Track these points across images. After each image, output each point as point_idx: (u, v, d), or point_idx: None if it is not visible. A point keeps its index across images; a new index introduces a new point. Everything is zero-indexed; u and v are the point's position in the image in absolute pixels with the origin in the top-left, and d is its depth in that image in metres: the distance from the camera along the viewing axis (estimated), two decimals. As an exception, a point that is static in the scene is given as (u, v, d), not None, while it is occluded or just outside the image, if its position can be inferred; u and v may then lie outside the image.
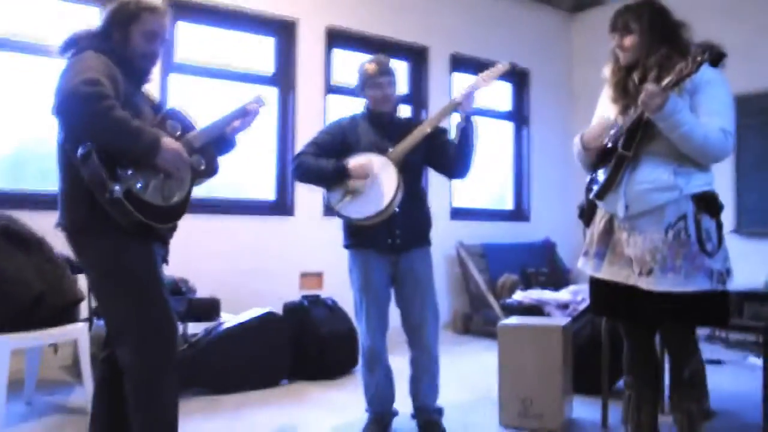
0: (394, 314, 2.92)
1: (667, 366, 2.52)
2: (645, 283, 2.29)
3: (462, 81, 6.32)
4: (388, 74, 2.89)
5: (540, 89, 6.91)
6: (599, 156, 2.47)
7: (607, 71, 2.56)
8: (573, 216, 7.53)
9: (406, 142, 2.79)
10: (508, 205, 6.90)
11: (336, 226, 5.03)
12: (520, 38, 6.74)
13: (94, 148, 1.97)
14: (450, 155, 2.86)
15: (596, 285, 2.53)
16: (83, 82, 1.94)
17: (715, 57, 2.20)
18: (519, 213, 6.87)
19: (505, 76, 6.72)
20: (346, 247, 2.94)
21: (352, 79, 5.47)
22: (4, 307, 2.94)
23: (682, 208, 2.27)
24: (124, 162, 2.02)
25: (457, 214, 6.20)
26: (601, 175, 2.42)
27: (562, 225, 6.84)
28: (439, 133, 2.89)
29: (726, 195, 5.56)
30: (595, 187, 2.45)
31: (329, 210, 5.23)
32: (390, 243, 2.81)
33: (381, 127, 2.90)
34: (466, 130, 2.82)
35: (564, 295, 5.35)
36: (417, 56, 6.03)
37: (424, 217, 2.96)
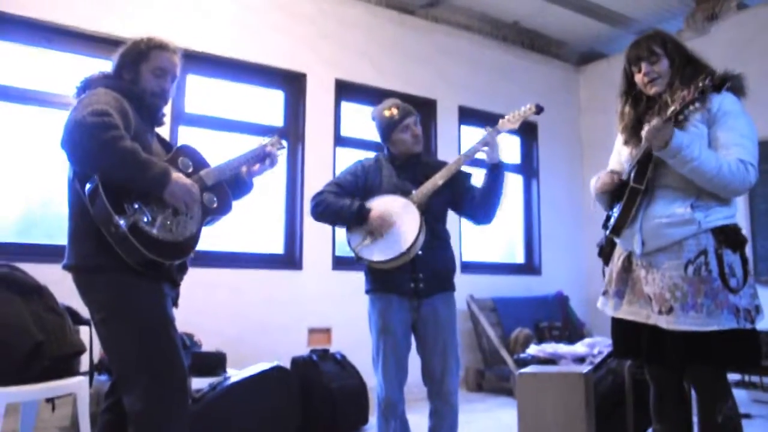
0: (414, 366, 2.79)
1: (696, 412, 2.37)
2: (665, 322, 2.18)
3: (470, 133, 6.35)
4: (413, 114, 2.86)
5: (548, 142, 6.91)
6: (614, 192, 2.41)
7: (617, 113, 2.52)
8: (585, 269, 7.45)
9: (428, 185, 2.72)
10: (519, 258, 6.79)
11: (345, 280, 4.99)
12: (528, 91, 6.77)
13: (100, 182, 1.93)
14: (476, 199, 2.79)
15: (618, 326, 2.42)
16: (91, 113, 1.93)
17: (719, 82, 2.14)
18: (530, 266, 6.75)
19: (513, 130, 6.81)
20: (367, 292, 2.84)
21: (360, 132, 5.58)
22: (1, 356, 2.83)
23: (702, 243, 2.18)
24: (132, 196, 1.98)
25: (467, 267, 6.09)
26: (617, 210, 2.34)
27: (575, 278, 6.71)
28: (463, 176, 2.83)
29: (742, 243, 5.48)
30: (611, 223, 2.37)
31: (339, 264, 5.22)
32: (413, 287, 2.70)
33: (404, 169, 2.84)
34: (491, 176, 2.75)
35: (580, 348, 5.17)
36: (425, 109, 6.05)
37: (447, 260, 2.84)
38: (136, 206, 1.98)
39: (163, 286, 2.12)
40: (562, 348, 5.24)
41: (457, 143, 6.14)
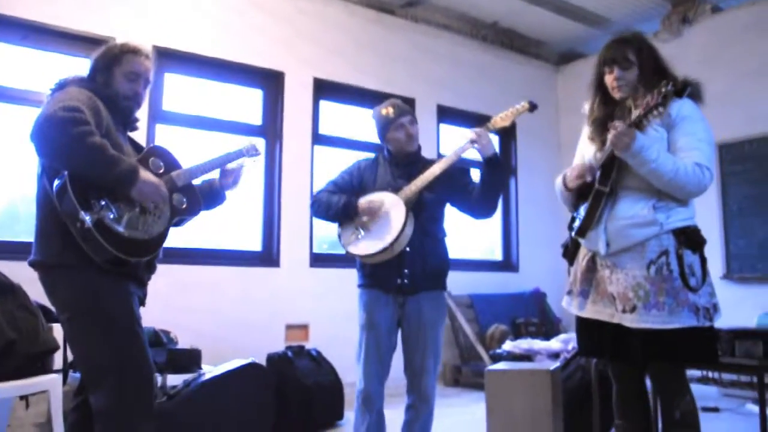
0: (397, 360, 2.84)
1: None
2: (628, 321, 2.24)
3: (449, 132, 6.40)
4: (408, 113, 2.90)
5: (526, 140, 6.98)
6: (580, 193, 2.46)
7: (586, 107, 2.58)
8: (562, 266, 7.49)
9: (418, 181, 2.75)
10: (497, 255, 6.86)
11: (322, 277, 5.03)
12: (506, 90, 6.84)
13: (68, 177, 1.95)
14: (474, 195, 2.82)
15: (582, 325, 2.48)
16: (61, 108, 1.94)
17: (681, 88, 2.21)
18: (508, 263, 6.83)
19: (492, 129, 6.85)
20: (359, 286, 2.89)
21: (339, 130, 5.61)
22: (-27, 355, 2.84)
23: (663, 244, 2.25)
24: (99, 192, 1.99)
25: (446, 264, 6.14)
26: (582, 211, 2.40)
27: (552, 275, 6.79)
28: (460, 171, 2.85)
29: (714, 242, 5.57)
30: (576, 224, 2.43)
31: (316, 261, 5.26)
32: (398, 283, 2.73)
33: (400, 167, 2.88)
34: (489, 169, 2.76)
35: (554, 344, 5.25)
36: (403, 108, 6.08)
37: (438, 259, 2.83)
38: (103, 203, 1.99)
39: (129, 284, 2.14)
40: (537, 344, 5.32)
41: (435, 142, 6.19)
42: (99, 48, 2.31)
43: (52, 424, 3.06)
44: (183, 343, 4.19)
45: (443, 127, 6.33)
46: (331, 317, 4.99)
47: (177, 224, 2.30)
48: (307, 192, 5.25)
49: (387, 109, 2.89)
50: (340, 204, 2.79)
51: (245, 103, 5.26)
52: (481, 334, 5.73)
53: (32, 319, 3.07)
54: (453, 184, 2.83)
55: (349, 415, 3.78)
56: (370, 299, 2.79)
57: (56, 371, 3.22)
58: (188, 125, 4.91)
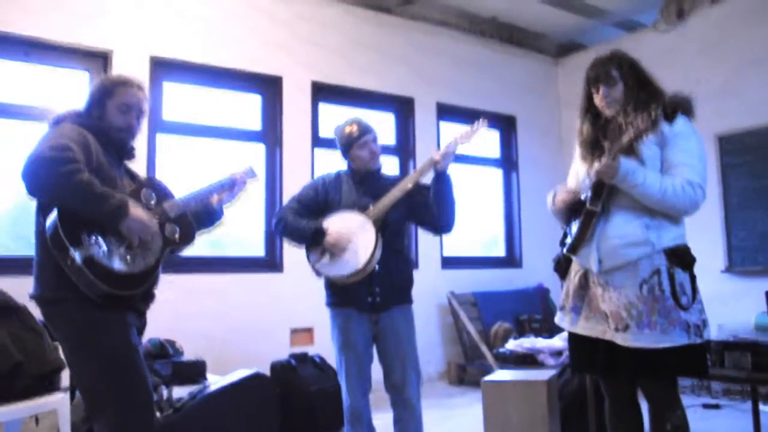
0: (378, 371, 2.89)
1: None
2: (621, 339, 2.28)
3: (449, 130, 6.40)
4: (370, 132, 2.93)
5: (527, 134, 6.97)
6: (573, 208, 2.48)
7: (577, 128, 2.60)
8: (565, 260, 7.44)
9: (385, 200, 2.81)
10: (500, 251, 6.88)
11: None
12: (506, 85, 6.83)
13: (58, 214, 1.99)
14: (431, 212, 2.88)
15: (574, 340, 2.51)
16: (50, 147, 1.99)
17: (672, 111, 2.23)
18: (511, 259, 6.85)
19: (492, 123, 6.85)
20: (328, 305, 2.94)
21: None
22: (-19, 377, 2.91)
23: (655, 263, 2.28)
24: (90, 228, 2.03)
25: (448, 263, 6.19)
26: (574, 227, 2.43)
27: (555, 269, 6.80)
28: (420, 189, 2.90)
29: (715, 235, 5.58)
30: (568, 241, 2.46)
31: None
32: (370, 302, 2.80)
33: (364, 185, 2.93)
34: (438, 185, 2.84)
35: (557, 342, 5.28)
36: (403, 107, 6.10)
37: (405, 275, 2.94)
38: (93, 239, 2.03)
39: (126, 315, 2.17)
40: (540, 342, 5.35)
41: (435, 140, 6.20)
42: (92, 84, 2.34)
43: (61, 439, 3.14)
44: (189, 350, 4.26)
45: (443, 125, 6.33)
46: (335, 320, 5.04)
47: (172, 253, 2.32)
48: (309, 195, 5.30)
49: (351, 127, 2.93)
50: (310, 231, 2.80)
51: (244, 109, 5.29)
52: (485, 332, 5.77)
53: (38, 339, 3.13)
54: (414, 202, 2.90)
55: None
56: (344, 319, 2.85)
57: (63, 389, 3.30)
58: (188, 133, 4.95)
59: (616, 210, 2.35)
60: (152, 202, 2.28)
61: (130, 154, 2.38)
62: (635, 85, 2.39)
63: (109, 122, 2.26)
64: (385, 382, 2.87)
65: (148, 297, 2.32)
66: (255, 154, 5.27)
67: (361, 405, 2.82)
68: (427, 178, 2.90)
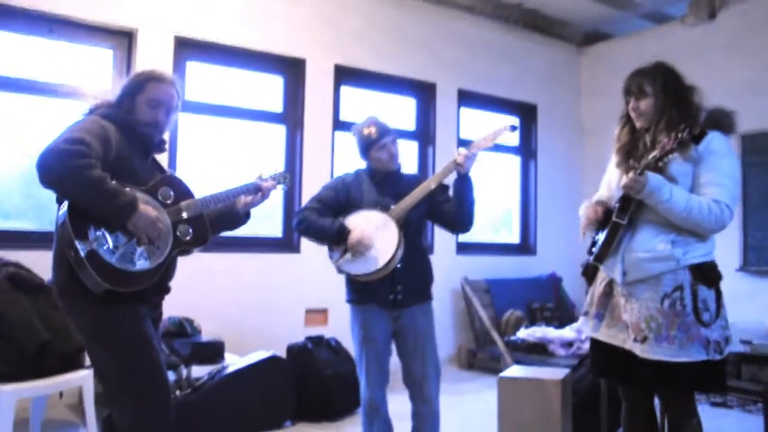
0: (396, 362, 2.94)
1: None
2: (639, 350, 2.32)
3: (470, 116, 6.39)
4: (390, 133, 2.94)
5: (547, 123, 6.94)
6: (602, 217, 2.49)
7: (615, 134, 2.60)
8: (579, 250, 7.53)
9: (407, 200, 2.83)
10: (515, 238, 6.91)
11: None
12: (528, 72, 6.79)
13: (68, 206, 2.01)
14: (450, 212, 2.91)
15: (596, 345, 2.56)
16: (66, 140, 2.01)
17: (698, 134, 2.20)
18: (525, 247, 6.88)
19: (513, 111, 6.81)
20: (348, 302, 2.98)
21: (360, 116, 5.62)
22: (11, 355, 2.99)
23: (679, 279, 2.30)
24: (98, 223, 2.04)
25: (463, 248, 6.22)
26: (602, 237, 2.45)
27: (568, 259, 6.84)
28: (440, 190, 2.93)
29: (732, 233, 5.58)
30: (595, 250, 2.48)
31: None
32: (392, 299, 2.84)
33: (384, 185, 2.95)
34: (460, 187, 2.86)
35: (568, 333, 5.34)
36: (424, 92, 6.09)
37: (425, 272, 2.98)
38: (99, 233, 2.03)
39: (137, 307, 2.18)
40: (551, 332, 5.40)
41: (455, 126, 6.19)
42: (127, 77, 2.36)
43: (85, 414, 3.25)
44: (206, 329, 4.34)
45: (464, 111, 6.32)
46: (350, 302, 5.11)
47: (182, 254, 2.30)
48: (328, 178, 5.32)
49: (369, 129, 2.93)
50: (333, 230, 2.81)
51: (266, 91, 5.29)
52: (496, 319, 5.83)
53: (64, 318, 3.20)
54: (434, 201, 2.93)
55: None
56: (365, 315, 2.88)
57: (88, 366, 3.38)
58: (210, 113, 4.96)
59: (643, 224, 2.36)
60: (169, 201, 2.26)
61: (158, 147, 2.39)
62: (667, 102, 2.37)
63: (136, 117, 2.28)
64: (404, 378, 2.93)
65: (162, 290, 2.31)
66: (276, 135, 5.29)
67: (378, 398, 2.88)
68: (448, 179, 2.92)
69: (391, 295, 2.83)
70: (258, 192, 2.52)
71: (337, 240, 2.82)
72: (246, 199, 2.51)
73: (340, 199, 2.94)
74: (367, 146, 2.94)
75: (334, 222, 2.84)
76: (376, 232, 2.80)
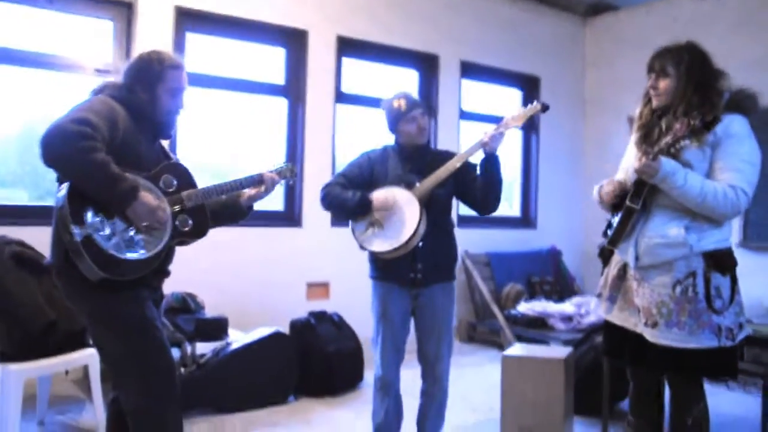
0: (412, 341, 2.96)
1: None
2: (649, 335, 2.34)
3: (472, 88, 6.33)
4: (419, 106, 2.91)
5: (550, 96, 6.86)
6: (617, 200, 2.48)
7: (636, 111, 2.56)
8: (579, 224, 7.56)
9: (432, 178, 2.80)
10: (515, 212, 6.91)
11: (343, 237, 5.06)
12: (532, 44, 6.70)
13: (69, 189, 1.98)
14: (477, 191, 2.88)
15: (608, 327, 2.58)
16: (72, 120, 1.95)
17: (709, 122, 2.16)
18: (526, 220, 6.88)
19: (516, 83, 6.74)
20: (371, 278, 2.98)
21: (361, 89, 5.58)
22: (17, 334, 3.00)
23: (692, 265, 2.29)
24: (96, 208, 2.00)
25: (463, 221, 6.21)
26: (616, 220, 2.44)
27: (569, 232, 6.85)
28: (467, 168, 2.88)
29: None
30: (609, 233, 2.47)
31: (339, 223, 5.34)
32: (412, 277, 2.83)
33: (410, 160, 2.92)
34: (487, 166, 2.81)
35: (568, 307, 5.38)
36: (427, 64, 6.01)
37: (448, 251, 2.95)
38: (97, 219, 2.00)
39: (137, 290, 2.15)
40: (551, 306, 5.45)
41: (457, 98, 6.13)
42: (133, 61, 2.30)
43: (91, 391, 3.27)
44: (209, 304, 4.35)
45: (465, 83, 6.25)
46: (351, 275, 5.09)
47: (180, 244, 2.27)
48: (329, 151, 5.30)
49: (399, 102, 2.90)
50: (355, 200, 2.80)
51: (268, 63, 5.22)
52: (496, 293, 5.87)
53: (69, 296, 3.21)
54: (461, 180, 2.89)
55: (369, 376, 3.97)
56: (385, 292, 2.89)
57: (93, 345, 3.40)
58: (211, 86, 4.89)
59: (657, 209, 2.35)
60: (171, 189, 2.21)
61: (167, 134, 2.34)
62: (689, 86, 2.32)
63: (160, 107, 2.24)
64: (419, 354, 2.94)
65: (162, 273, 2.28)
66: (278, 108, 5.24)
67: (392, 376, 2.90)
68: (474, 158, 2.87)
69: (411, 273, 2.82)
70: (261, 185, 2.47)
71: (359, 211, 2.81)
72: (250, 192, 2.47)
73: (365, 175, 2.92)
74: (395, 119, 2.90)
75: (356, 193, 2.83)
76: (399, 206, 2.79)
